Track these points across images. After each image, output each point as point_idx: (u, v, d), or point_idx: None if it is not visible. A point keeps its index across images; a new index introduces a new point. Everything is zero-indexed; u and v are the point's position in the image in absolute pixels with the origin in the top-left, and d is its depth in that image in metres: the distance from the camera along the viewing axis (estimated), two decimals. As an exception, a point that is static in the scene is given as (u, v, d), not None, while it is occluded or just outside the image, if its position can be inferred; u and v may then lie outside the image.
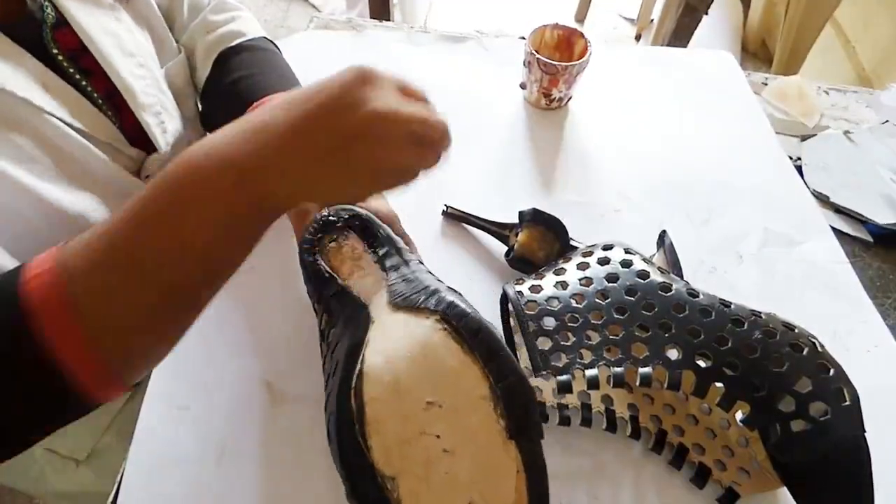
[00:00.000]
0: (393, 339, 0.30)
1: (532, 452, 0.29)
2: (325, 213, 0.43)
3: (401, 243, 0.41)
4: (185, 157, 0.30)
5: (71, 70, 0.47)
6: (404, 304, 0.31)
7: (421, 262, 0.39)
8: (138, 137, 0.52)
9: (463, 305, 0.31)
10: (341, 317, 0.35)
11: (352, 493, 0.28)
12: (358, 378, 0.29)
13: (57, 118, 0.44)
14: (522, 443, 0.28)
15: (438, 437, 0.28)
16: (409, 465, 0.27)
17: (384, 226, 0.42)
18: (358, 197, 0.36)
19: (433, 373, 0.28)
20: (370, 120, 0.30)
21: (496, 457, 0.28)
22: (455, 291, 0.33)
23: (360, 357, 0.30)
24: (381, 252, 0.39)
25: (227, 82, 0.57)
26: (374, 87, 0.30)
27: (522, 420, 0.28)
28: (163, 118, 0.54)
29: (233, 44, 0.60)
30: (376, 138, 0.30)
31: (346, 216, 0.42)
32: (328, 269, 0.40)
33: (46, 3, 0.45)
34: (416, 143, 0.32)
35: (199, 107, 0.64)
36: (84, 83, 0.48)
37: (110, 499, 0.42)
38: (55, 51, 0.46)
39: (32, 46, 0.44)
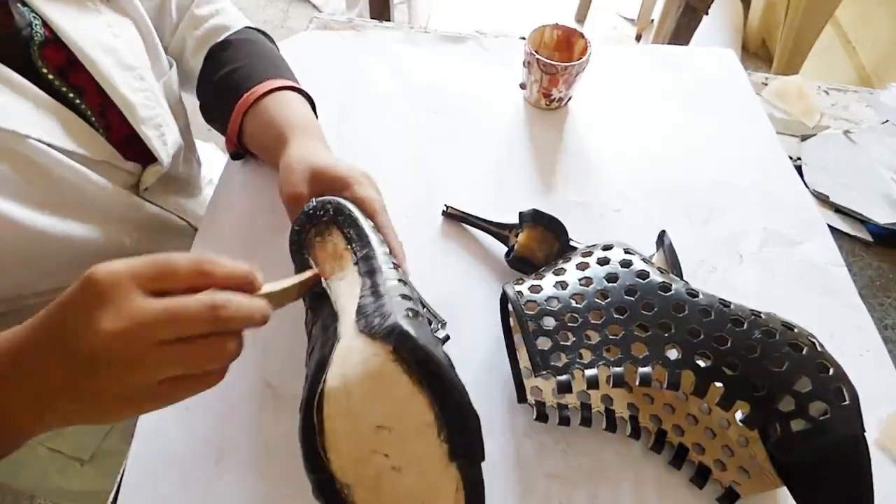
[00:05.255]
0: (351, 364, 0.33)
1: (470, 473, 0.32)
2: (311, 204, 0.43)
3: (381, 244, 0.40)
4: None
5: (64, 88, 0.46)
6: (365, 328, 0.34)
7: (396, 266, 0.39)
8: (131, 150, 0.52)
9: (416, 335, 0.32)
10: (319, 319, 0.38)
11: (316, 491, 0.32)
12: (320, 396, 0.32)
13: (45, 143, 0.43)
14: (461, 464, 0.32)
15: (387, 456, 0.32)
16: (362, 478, 0.31)
17: (367, 222, 0.42)
18: (137, 413, 0.29)
19: (383, 401, 0.32)
20: (103, 344, 0.25)
21: (438, 476, 0.32)
22: (421, 303, 0.36)
23: (324, 377, 0.33)
24: (360, 254, 0.39)
25: (220, 75, 0.58)
26: (104, 299, 0.26)
27: (462, 445, 0.32)
28: (163, 130, 0.54)
29: (221, 38, 0.60)
30: (120, 362, 0.26)
31: (331, 210, 0.42)
32: (314, 264, 0.40)
33: (36, 21, 0.44)
34: (181, 346, 0.27)
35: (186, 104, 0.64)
36: (78, 101, 0.47)
37: (110, 499, 0.42)
38: (44, 70, 0.44)
39: (20, 65, 0.42)
